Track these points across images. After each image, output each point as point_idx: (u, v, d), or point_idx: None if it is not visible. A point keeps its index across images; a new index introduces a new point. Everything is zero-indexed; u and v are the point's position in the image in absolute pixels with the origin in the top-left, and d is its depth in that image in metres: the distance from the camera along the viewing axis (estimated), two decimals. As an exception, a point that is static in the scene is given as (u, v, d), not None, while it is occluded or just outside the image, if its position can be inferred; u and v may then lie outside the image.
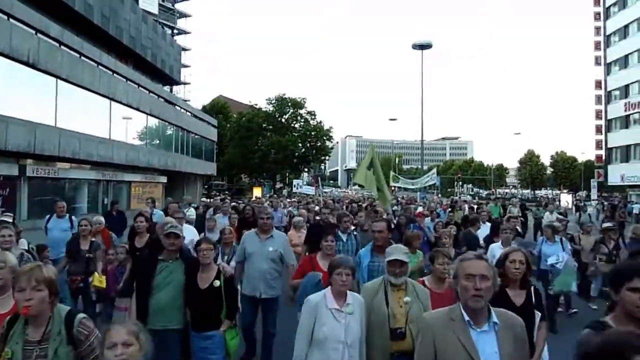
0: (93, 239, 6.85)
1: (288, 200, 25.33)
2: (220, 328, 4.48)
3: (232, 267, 6.32)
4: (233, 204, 17.32)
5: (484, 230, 9.19)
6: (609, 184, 51.25)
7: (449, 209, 18.52)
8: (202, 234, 8.70)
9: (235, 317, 4.78)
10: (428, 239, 8.89)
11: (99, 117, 25.90)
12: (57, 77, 21.48)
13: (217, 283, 4.45)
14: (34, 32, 20.08)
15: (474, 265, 2.52)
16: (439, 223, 9.78)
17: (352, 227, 7.82)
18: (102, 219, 8.10)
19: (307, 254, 7.86)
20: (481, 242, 8.46)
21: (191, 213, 12.08)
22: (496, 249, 6.71)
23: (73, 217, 8.98)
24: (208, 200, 28.60)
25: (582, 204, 34.79)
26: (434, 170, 27.78)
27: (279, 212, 13.85)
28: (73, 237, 7.04)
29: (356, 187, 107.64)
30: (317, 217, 11.52)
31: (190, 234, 7.43)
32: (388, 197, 10.95)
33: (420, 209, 18.48)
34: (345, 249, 6.81)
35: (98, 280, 6.30)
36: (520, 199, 34.13)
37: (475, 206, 19.61)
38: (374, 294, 3.76)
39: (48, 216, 9.34)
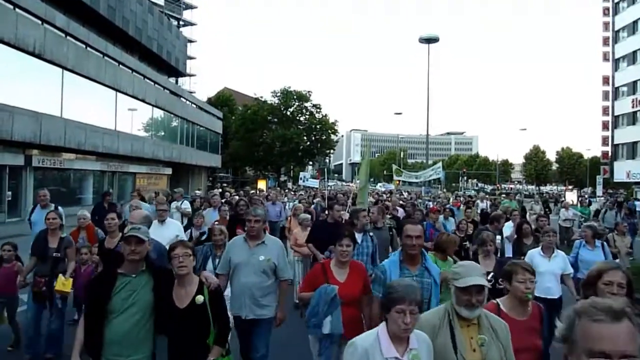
0: (63, 235, 5.94)
1: (293, 193, 24.86)
2: (208, 358, 3.44)
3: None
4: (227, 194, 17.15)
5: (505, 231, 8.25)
6: (614, 180, 50.99)
7: (463, 205, 16.77)
8: (189, 231, 8.10)
9: (227, 341, 3.76)
10: None
11: (105, 108, 25.94)
12: (63, 67, 21.50)
13: (200, 299, 3.44)
14: (40, 22, 20.08)
15: (612, 336, 1.38)
16: (462, 222, 8.88)
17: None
18: (87, 213, 7.32)
19: (314, 259, 7.15)
20: (500, 242, 7.41)
21: (186, 206, 11.36)
22: (537, 258, 5.87)
23: (60, 208, 8.11)
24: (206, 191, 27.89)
25: (588, 200, 34.64)
26: (439, 164, 26.92)
27: (277, 206, 13.25)
28: (40, 233, 6.02)
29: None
30: (325, 213, 10.37)
31: (173, 229, 6.73)
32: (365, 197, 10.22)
33: (430, 204, 17.46)
34: (360, 252, 5.96)
35: (62, 283, 5.50)
36: (539, 195, 33.48)
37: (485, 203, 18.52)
38: (435, 331, 2.75)
39: (32, 207, 8.49)
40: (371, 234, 6.43)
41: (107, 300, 3.32)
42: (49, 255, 5.72)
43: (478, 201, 19.06)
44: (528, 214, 15.58)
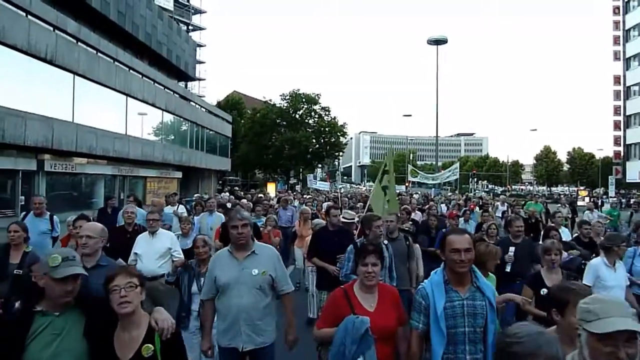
0: (28, 249, 5.00)
1: (301, 196, 24.64)
2: None
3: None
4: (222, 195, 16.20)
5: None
6: (627, 181, 50.48)
7: (478, 208, 15.65)
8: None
9: None
10: None
11: (115, 112, 26.16)
12: (74, 73, 21.72)
13: (149, 350, 2.48)
14: (51, 28, 20.31)
15: None
16: (492, 226, 7.52)
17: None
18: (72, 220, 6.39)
19: (319, 272, 6.49)
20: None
21: (182, 210, 10.83)
22: (603, 269, 5.02)
23: (55, 217, 7.66)
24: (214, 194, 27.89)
25: (600, 201, 34.26)
26: (456, 164, 25.84)
27: (289, 211, 12.61)
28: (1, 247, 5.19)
29: (371, 183, 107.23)
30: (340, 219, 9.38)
31: (165, 241, 6.13)
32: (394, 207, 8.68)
33: (443, 207, 16.48)
34: None
35: None
36: (565, 196, 31.98)
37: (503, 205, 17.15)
38: None
39: (23, 214, 7.76)
40: (385, 242, 5.58)
41: (18, 351, 2.39)
42: (9, 272, 4.75)
43: (498, 204, 17.88)
44: (578, 220, 14.10)
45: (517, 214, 9.84)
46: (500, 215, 13.55)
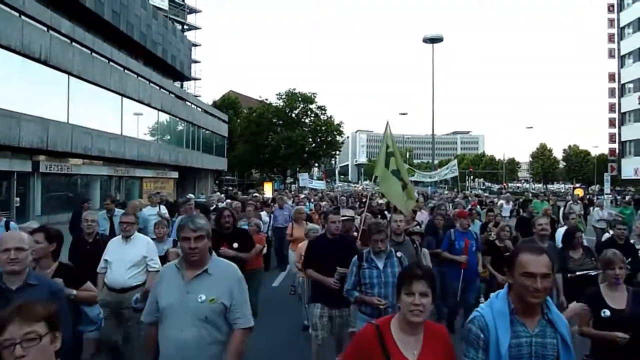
0: None
1: (297, 196, 23.64)
2: None
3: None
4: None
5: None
6: (622, 178, 50.69)
7: (481, 207, 14.83)
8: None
9: None
10: (478, 249, 7.12)
11: (111, 113, 26.06)
12: (69, 73, 21.62)
13: None
14: (45, 29, 20.20)
15: None
16: (505, 227, 7.14)
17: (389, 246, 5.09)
18: (35, 225, 5.55)
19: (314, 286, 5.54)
20: None
21: (165, 211, 10.11)
22: None
23: (12, 223, 7.36)
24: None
25: (596, 198, 34.41)
26: (455, 161, 25.09)
27: (285, 210, 12.05)
28: None
29: (367, 182, 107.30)
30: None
31: (140, 248, 5.40)
32: (412, 196, 7.99)
33: (449, 206, 15.26)
34: (381, 282, 4.56)
35: None
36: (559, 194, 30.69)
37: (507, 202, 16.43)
38: None
39: None
40: (399, 254, 4.79)
41: None
42: None
43: (502, 202, 17.08)
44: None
45: (531, 212, 9.24)
46: (508, 214, 12.58)
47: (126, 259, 5.24)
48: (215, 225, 6.08)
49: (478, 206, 15.30)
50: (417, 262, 3.86)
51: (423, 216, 10.92)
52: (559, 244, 6.56)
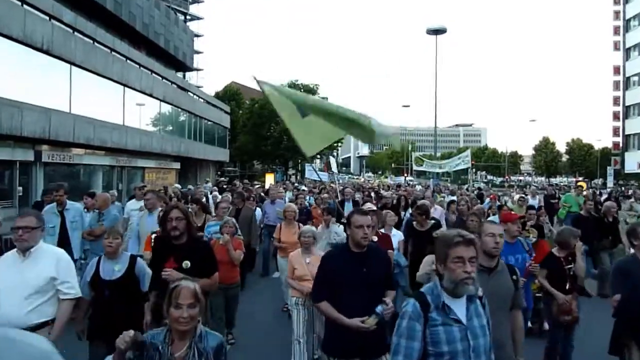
0: None
1: (295, 188, 21.09)
2: None
3: None
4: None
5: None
6: (625, 171, 50.54)
7: (492, 201, 13.11)
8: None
9: None
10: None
11: (113, 103, 26.04)
12: (71, 63, 21.57)
13: None
14: (47, 18, 20.14)
15: None
16: (574, 232, 5.43)
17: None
18: None
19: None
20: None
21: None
22: None
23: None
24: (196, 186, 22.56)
25: (599, 192, 34.27)
26: (467, 152, 22.54)
27: (277, 205, 10.32)
28: None
29: (370, 174, 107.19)
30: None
31: (43, 268, 3.70)
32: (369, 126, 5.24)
33: (452, 198, 13.88)
34: (468, 349, 2.49)
35: None
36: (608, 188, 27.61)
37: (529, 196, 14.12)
38: None
39: None
40: (480, 291, 2.88)
41: None
42: None
43: (529, 197, 14.89)
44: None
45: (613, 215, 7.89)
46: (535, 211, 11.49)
47: (23, 284, 3.54)
48: (161, 232, 4.52)
49: (497, 201, 13.46)
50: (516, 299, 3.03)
51: (437, 212, 9.35)
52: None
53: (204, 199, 11.51)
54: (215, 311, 5.71)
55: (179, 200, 11.89)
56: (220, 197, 12.23)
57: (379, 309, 3.27)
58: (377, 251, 3.82)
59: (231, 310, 6.25)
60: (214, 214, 8.23)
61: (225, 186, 23.47)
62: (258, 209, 10.88)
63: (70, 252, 6.48)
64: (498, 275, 3.36)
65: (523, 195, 12.96)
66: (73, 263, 3.87)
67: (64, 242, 6.72)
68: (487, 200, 13.60)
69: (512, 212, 6.74)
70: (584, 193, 14.27)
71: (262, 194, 15.99)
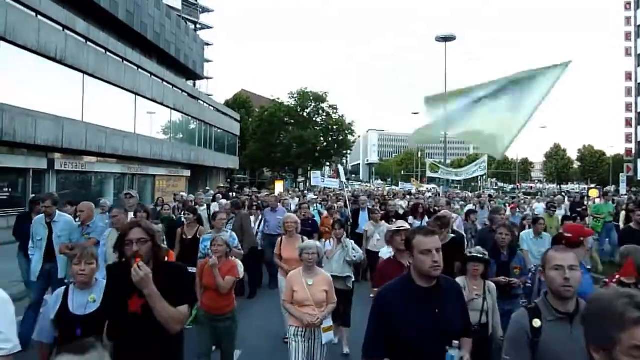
0: None
1: (302, 196, 20.01)
2: None
3: None
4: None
5: None
6: (639, 178, 49.93)
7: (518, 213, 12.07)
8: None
9: None
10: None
11: (124, 111, 26.31)
12: (83, 72, 21.88)
13: None
14: (61, 28, 20.45)
15: None
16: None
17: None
18: None
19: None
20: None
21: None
22: None
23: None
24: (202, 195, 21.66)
25: (612, 199, 33.82)
26: (484, 157, 21.00)
27: (279, 213, 9.48)
28: None
29: (379, 182, 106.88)
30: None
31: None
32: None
33: (470, 207, 13.21)
34: None
35: None
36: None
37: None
38: None
39: None
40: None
41: None
42: None
43: (541, 204, 13.97)
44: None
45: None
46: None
47: None
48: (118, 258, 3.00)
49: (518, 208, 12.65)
50: None
51: (457, 223, 8.79)
52: None
53: (204, 207, 10.96)
54: (200, 348, 4.76)
55: (179, 208, 11.39)
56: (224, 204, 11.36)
57: (454, 353, 2.46)
58: (448, 283, 2.81)
59: (225, 347, 4.94)
60: (207, 227, 7.77)
61: (231, 193, 23.31)
62: (252, 217, 10.02)
63: (56, 269, 6.16)
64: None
65: (553, 204, 11.45)
66: (9, 303, 2.55)
67: (49, 258, 6.13)
68: (507, 210, 11.79)
69: (575, 224, 5.66)
70: (615, 199, 13.01)
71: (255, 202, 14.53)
